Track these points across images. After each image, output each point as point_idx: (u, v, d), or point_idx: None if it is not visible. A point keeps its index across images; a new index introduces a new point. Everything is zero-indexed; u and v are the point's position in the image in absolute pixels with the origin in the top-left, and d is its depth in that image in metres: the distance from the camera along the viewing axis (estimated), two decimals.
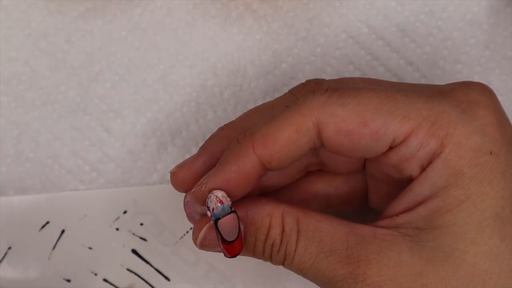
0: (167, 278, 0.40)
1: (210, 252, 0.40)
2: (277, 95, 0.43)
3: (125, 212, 0.41)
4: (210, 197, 0.32)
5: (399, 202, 0.32)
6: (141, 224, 0.41)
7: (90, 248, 0.40)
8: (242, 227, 0.32)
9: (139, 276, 0.40)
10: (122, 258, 0.40)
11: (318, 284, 0.33)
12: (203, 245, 0.33)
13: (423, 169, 0.31)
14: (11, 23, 0.43)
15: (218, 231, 0.31)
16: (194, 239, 0.34)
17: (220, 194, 0.32)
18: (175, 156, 0.42)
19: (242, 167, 0.32)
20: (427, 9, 0.44)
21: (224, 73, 0.43)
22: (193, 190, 0.33)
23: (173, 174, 0.35)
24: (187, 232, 0.40)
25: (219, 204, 0.31)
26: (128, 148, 0.42)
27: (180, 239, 0.40)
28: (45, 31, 0.43)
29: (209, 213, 0.31)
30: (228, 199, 0.32)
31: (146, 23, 0.44)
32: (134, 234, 0.41)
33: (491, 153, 0.30)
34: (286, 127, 0.31)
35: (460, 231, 0.30)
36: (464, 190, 0.30)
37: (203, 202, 0.32)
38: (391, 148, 0.31)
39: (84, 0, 0.43)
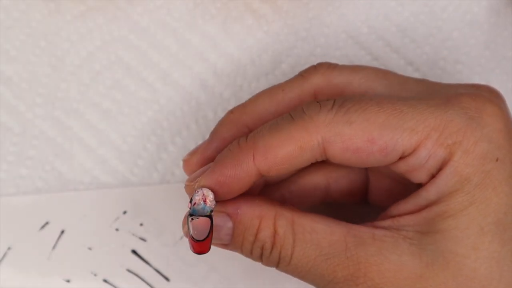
0: (166, 278, 0.40)
1: (210, 252, 0.40)
2: None
3: (125, 212, 0.41)
4: (198, 191, 0.31)
5: (404, 204, 0.32)
6: (141, 225, 0.41)
7: (90, 249, 0.40)
8: (229, 230, 0.32)
9: (138, 277, 0.40)
10: (122, 259, 0.40)
11: (314, 286, 0.32)
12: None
13: (432, 176, 0.31)
14: (11, 22, 0.43)
15: (189, 226, 0.31)
16: (182, 228, 0.34)
17: (207, 193, 0.31)
18: (175, 156, 0.42)
19: (239, 174, 0.31)
20: (427, 10, 0.44)
21: (224, 73, 0.43)
22: (186, 183, 0.33)
23: (186, 161, 0.35)
24: None
25: (202, 202, 0.31)
26: (128, 148, 0.42)
27: (180, 239, 0.40)
28: (45, 31, 0.43)
29: (189, 205, 0.31)
30: (214, 202, 0.31)
31: (146, 22, 0.44)
32: (133, 235, 0.41)
33: (497, 160, 0.30)
34: (290, 142, 0.31)
35: (461, 235, 0.30)
36: (469, 196, 0.30)
37: (191, 196, 0.32)
38: (400, 159, 0.31)
39: (83, 0, 0.43)
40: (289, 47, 0.43)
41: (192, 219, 0.31)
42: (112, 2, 0.44)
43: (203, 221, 0.31)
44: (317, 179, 0.37)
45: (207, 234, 0.31)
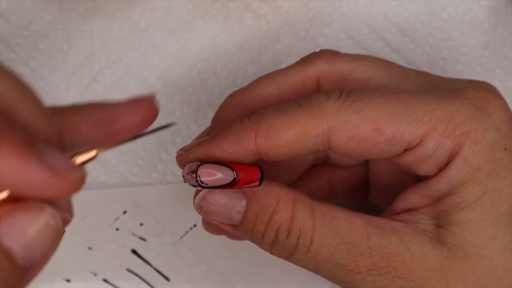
0: (167, 278, 0.40)
1: (210, 252, 0.40)
2: None
3: (125, 212, 0.41)
4: (187, 178, 0.30)
5: (414, 196, 0.32)
6: (141, 224, 0.41)
7: (90, 248, 0.40)
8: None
9: (139, 276, 0.40)
10: (122, 258, 0.40)
11: (330, 277, 0.31)
12: (201, 207, 0.31)
13: (441, 169, 0.31)
14: (11, 23, 0.43)
15: (197, 178, 0.30)
16: (194, 201, 0.32)
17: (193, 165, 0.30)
18: (175, 156, 0.42)
19: (237, 151, 0.30)
20: (427, 9, 0.44)
21: (224, 73, 0.43)
22: (178, 153, 0.32)
23: (180, 156, 0.33)
24: (187, 232, 0.40)
25: (194, 174, 0.30)
26: (128, 148, 0.42)
27: (180, 239, 0.40)
28: (45, 32, 0.43)
29: (189, 175, 0.30)
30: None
31: (146, 23, 0.44)
32: (134, 234, 0.41)
33: (505, 149, 0.30)
34: (294, 126, 0.30)
35: (477, 227, 0.30)
36: (481, 186, 0.30)
37: (183, 166, 0.31)
38: (406, 150, 0.31)
39: (83, 0, 0.43)
40: (289, 47, 0.43)
41: (198, 172, 0.29)
42: (111, 3, 0.44)
43: (205, 167, 0.30)
44: (321, 182, 0.37)
45: (227, 170, 0.30)
